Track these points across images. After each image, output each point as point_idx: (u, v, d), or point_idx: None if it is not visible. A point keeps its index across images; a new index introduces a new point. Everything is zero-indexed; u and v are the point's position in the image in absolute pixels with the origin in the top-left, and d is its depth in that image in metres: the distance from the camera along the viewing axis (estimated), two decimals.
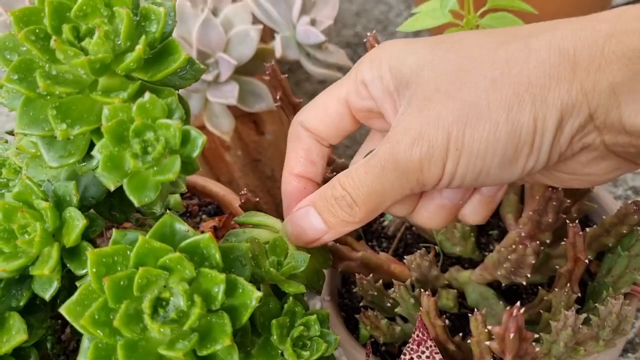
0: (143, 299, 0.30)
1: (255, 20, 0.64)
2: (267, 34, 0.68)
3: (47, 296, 0.34)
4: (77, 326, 0.30)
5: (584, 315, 0.36)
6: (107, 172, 0.30)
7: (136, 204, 0.31)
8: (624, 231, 0.42)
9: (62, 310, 0.30)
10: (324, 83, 1.17)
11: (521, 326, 0.30)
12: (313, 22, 0.64)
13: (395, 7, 1.23)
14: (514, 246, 0.42)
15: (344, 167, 0.54)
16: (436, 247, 0.55)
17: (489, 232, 0.56)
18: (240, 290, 0.31)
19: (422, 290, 0.39)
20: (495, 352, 0.37)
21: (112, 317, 0.30)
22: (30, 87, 0.32)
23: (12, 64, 0.32)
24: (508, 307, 0.31)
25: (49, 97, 0.32)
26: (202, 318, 0.30)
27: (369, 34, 0.48)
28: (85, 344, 0.31)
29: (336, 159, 0.54)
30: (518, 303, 0.31)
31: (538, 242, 0.39)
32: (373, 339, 0.46)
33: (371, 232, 0.60)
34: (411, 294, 0.45)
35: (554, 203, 0.40)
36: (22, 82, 0.32)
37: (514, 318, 0.30)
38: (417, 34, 1.03)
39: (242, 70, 0.65)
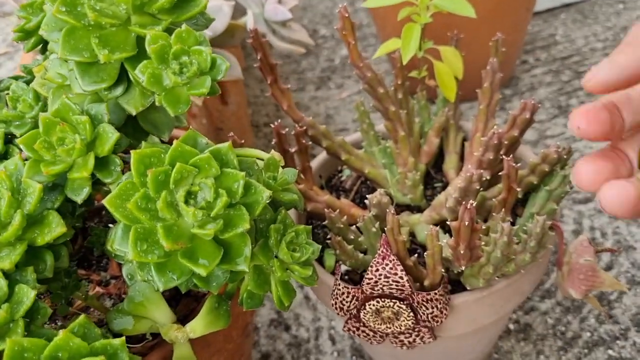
0: (177, 191, 0.36)
1: None
2: (236, 11, 0.75)
3: (80, 199, 0.40)
4: (118, 215, 0.36)
5: (517, 227, 0.46)
6: (150, 87, 0.36)
7: (171, 113, 0.37)
8: (546, 169, 0.52)
9: (105, 202, 0.36)
10: (287, 57, 1.25)
11: (473, 217, 0.39)
12: (280, 2, 0.72)
13: (339, 3, 1.32)
14: (459, 182, 0.51)
15: (324, 133, 0.62)
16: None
17: (434, 185, 0.65)
18: (253, 190, 0.38)
19: (388, 210, 0.47)
20: (449, 255, 0.46)
21: (151, 206, 0.36)
22: (77, 18, 0.38)
23: None
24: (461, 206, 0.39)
25: (90, 28, 0.38)
26: (225, 209, 0.37)
27: (340, 5, 0.56)
28: (119, 232, 0.37)
29: (304, 117, 0.62)
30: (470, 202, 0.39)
31: (481, 171, 0.48)
32: (339, 264, 0.54)
33: (330, 186, 0.68)
34: (374, 224, 0.53)
35: (495, 142, 0.50)
36: (69, 14, 0.38)
37: (467, 210, 0.39)
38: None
39: (214, 43, 0.71)
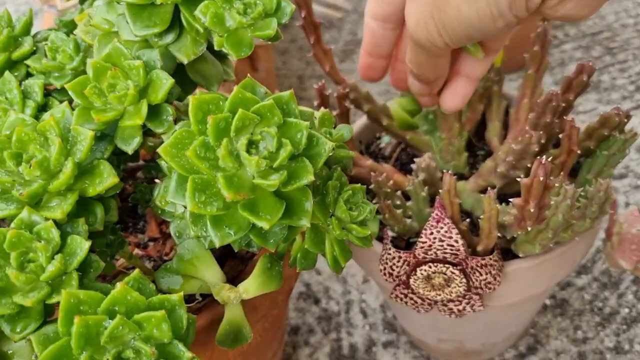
0: (238, 140, 0.34)
1: None
2: None
3: (130, 149, 0.38)
4: (174, 164, 0.34)
5: (580, 189, 0.43)
6: (213, 27, 0.34)
7: (234, 56, 0.35)
8: (605, 133, 0.49)
9: (160, 150, 0.34)
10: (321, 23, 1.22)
11: (547, 173, 0.37)
12: None
13: None
14: (513, 145, 0.49)
15: (366, 97, 0.60)
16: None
17: (476, 152, 0.63)
18: (316, 141, 0.36)
19: (443, 171, 0.45)
20: (504, 220, 0.44)
21: (210, 155, 0.34)
22: None
23: None
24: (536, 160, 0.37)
25: None
26: (288, 160, 0.34)
27: None
28: (173, 184, 0.35)
29: (346, 80, 0.59)
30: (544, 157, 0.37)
31: (540, 132, 0.46)
32: (386, 229, 0.52)
33: (369, 153, 0.66)
34: (423, 188, 0.51)
35: (554, 104, 0.48)
36: None
37: (542, 165, 0.37)
38: None
39: None
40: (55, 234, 0.33)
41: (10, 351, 0.35)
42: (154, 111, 0.38)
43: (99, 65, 0.37)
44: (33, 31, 0.50)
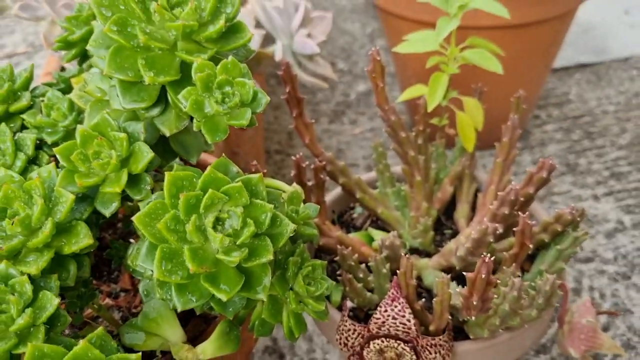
0: (207, 216, 0.37)
1: (258, 25, 0.73)
2: (264, 40, 0.77)
3: (108, 213, 0.41)
4: (146, 233, 0.37)
5: (527, 282, 0.46)
6: (192, 112, 0.37)
7: (209, 140, 0.38)
8: (558, 229, 0.53)
9: (135, 219, 0.37)
10: (303, 87, 1.27)
11: (489, 271, 0.40)
12: (309, 35, 0.73)
13: (358, 39, 1.34)
14: (472, 232, 0.53)
15: (342, 170, 0.63)
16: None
17: (444, 231, 0.66)
18: (279, 222, 0.39)
19: (402, 253, 0.48)
20: (457, 303, 0.46)
21: (179, 227, 0.37)
22: (126, 39, 0.39)
23: (112, 18, 0.39)
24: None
25: (138, 49, 0.40)
26: (251, 238, 0.37)
27: (372, 48, 0.58)
28: (144, 250, 0.38)
29: (324, 152, 0.63)
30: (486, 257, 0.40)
31: (496, 225, 0.50)
32: (346, 300, 0.55)
33: (342, 222, 0.69)
34: (384, 265, 0.54)
35: (511, 198, 0.51)
36: (120, 34, 0.39)
37: (485, 264, 0.40)
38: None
39: None
40: (28, 288, 0.36)
41: None
42: (134, 180, 0.41)
43: (87, 134, 0.40)
44: (37, 69, 0.53)
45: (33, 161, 0.48)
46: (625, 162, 1.06)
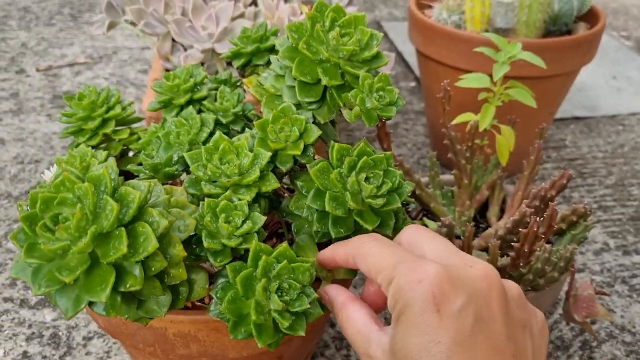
0: (359, 174, 0.56)
1: None
2: None
3: (285, 169, 0.59)
4: (317, 182, 0.55)
5: (556, 248, 0.66)
6: (360, 106, 0.57)
7: (367, 125, 0.58)
8: (573, 219, 0.73)
9: (310, 172, 0.56)
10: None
11: (539, 227, 0.59)
12: None
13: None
14: (510, 218, 0.72)
15: (407, 171, 0.83)
16: None
17: (478, 226, 0.86)
18: (401, 185, 0.58)
19: (468, 223, 0.67)
20: (506, 264, 0.66)
21: (341, 180, 0.56)
22: (311, 53, 0.59)
23: (303, 39, 0.58)
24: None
25: (316, 61, 0.59)
26: (387, 192, 0.56)
27: (444, 82, 0.79)
28: (311, 195, 0.57)
29: (396, 157, 0.83)
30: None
31: (532, 209, 0.69)
32: None
33: None
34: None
35: (542, 194, 0.71)
36: (308, 50, 0.59)
37: (536, 222, 0.59)
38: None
39: None
40: (246, 208, 0.54)
41: (195, 279, 0.55)
42: (304, 149, 0.60)
43: (276, 114, 0.59)
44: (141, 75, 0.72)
45: (211, 135, 0.67)
46: (610, 198, 1.27)
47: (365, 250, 0.49)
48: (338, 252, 0.52)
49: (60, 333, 0.93)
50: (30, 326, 0.94)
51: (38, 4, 2.28)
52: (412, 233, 0.50)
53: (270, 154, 0.57)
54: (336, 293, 0.53)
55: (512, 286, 0.45)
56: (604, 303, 1.03)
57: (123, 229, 0.45)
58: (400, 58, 1.83)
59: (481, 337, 0.40)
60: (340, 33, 0.59)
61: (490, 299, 0.42)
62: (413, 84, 1.66)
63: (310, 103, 0.61)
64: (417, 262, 0.43)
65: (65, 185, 0.46)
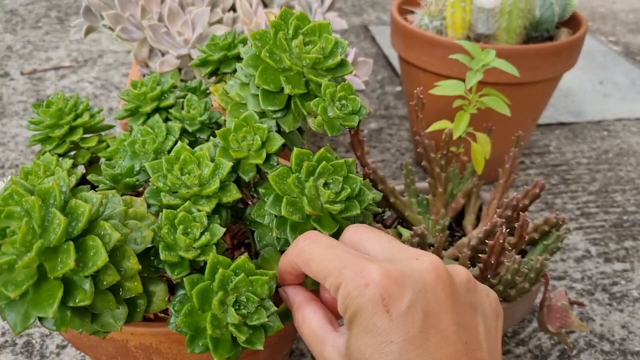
0: (318, 180, 0.55)
1: None
2: None
3: (247, 178, 0.58)
4: (275, 187, 0.54)
5: (525, 260, 0.65)
6: (322, 115, 0.56)
7: (329, 134, 0.57)
8: (546, 229, 0.72)
9: (269, 177, 0.55)
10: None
11: (505, 239, 0.59)
12: (355, 75, 0.93)
13: (371, 84, 1.55)
14: (483, 227, 0.72)
15: (381, 179, 0.82)
16: None
17: (454, 234, 0.85)
18: (362, 192, 0.57)
19: (437, 233, 0.67)
20: (475, 274, 0.65)
21: (300, 185, 0.55)
22: (274, 62, 0.58)
23: (266, 47, 0.58)
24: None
25: (279, 70, 0.58)
26: (346, 199, 0.55)
27: (418, 88, 0.78)
28: (270, 200, 0.55)
29: (370, 164, 0.82)
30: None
31: (503, 220, 0.69)
32: None
33: (375, 221, 0.87)
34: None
35: (513, 203, 0.70)
36: (270, 58, 0.58)
37: (502, 234, 0.58)
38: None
39: None
40: (205, 219, 0.53)
41: (154, 291, 0.54)
42: (267, 158, 0.59)
43: (238, 123, 0.58)
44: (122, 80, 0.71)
45: (175, 144, 0.66)
46: (593, 205, 1.26)
47: (307, 256, 0.48)
48: (282, 262, 0.52)
49: (33, 341, 0.92)
50: (3, 334, 0.92)
51: (25, 7, 2.27)
52: (355, 232, 0.50)
53: (231, 163, 0.56)
54: (294, 293, 0.52)
55: (459, 271, 0.45)
56: (584, 311, 1.02)
57: (71, 243, 0.44)
58: (387, 62, 1.82)
59: (432, 331, 0.40)
60: (303, 41, 0.58)
61: (437, 290, 0.42)
62: (399, 88, 1.65)
63: (274, 112, 0.60)
64: (361, 264, 0.43)
65: (14, 198, 0.45)
